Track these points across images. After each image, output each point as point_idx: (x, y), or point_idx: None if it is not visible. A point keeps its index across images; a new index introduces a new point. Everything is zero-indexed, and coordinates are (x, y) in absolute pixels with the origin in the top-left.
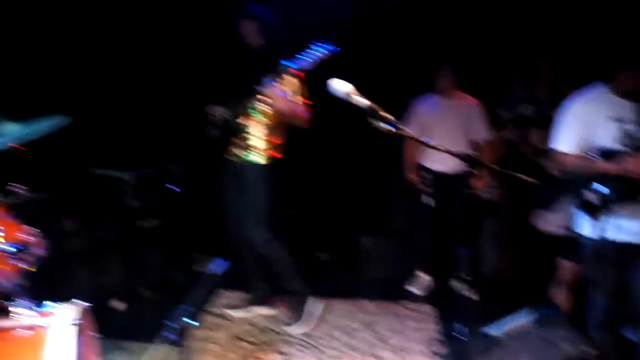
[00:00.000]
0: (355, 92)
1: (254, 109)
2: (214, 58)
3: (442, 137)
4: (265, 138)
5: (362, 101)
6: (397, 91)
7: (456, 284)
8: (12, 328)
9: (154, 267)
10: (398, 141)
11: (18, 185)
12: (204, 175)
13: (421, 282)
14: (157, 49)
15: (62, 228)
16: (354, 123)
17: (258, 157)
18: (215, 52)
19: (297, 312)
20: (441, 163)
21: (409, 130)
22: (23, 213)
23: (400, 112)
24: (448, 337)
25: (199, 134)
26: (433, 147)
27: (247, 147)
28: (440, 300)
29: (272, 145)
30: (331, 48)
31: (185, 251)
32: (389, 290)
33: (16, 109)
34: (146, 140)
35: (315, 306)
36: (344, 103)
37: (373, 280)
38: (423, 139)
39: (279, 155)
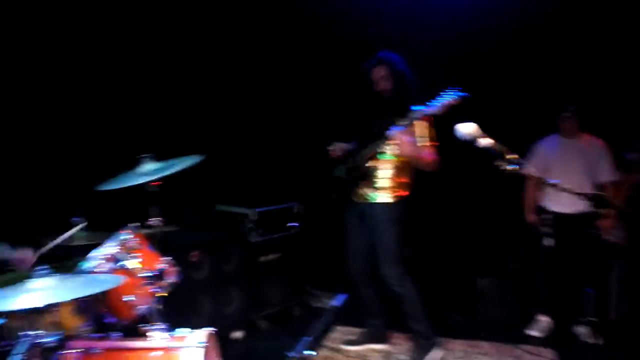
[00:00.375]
0: (480, 133)
1: (382, 152)
2: (345, 103)
3: (565, 178)
4: (392, 178)
5: (487, 142)
6: (520, 133)
7: (580, 329)
8: (148, 349)
9: (272, 299)
10: (517, 182)
11: (155, 218)
12: (322, 212)
13: (541, 326)
14: (286, 92)
15: (189, 259)
16: (474, 164)
17: (386, 197)
18: (346, 97)
19: (414, 352)
20: (563, 204)
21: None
22: (158, 243)
23: (523, 153)
24: None
25: (319, 174)
26: (561, 188)
27: (376, 189)
28: (563, 344)
29: (400, 184)
30: (460, 94)
31: (302, 286)
32: (508, 333)
33: (157, 149)
34: (269, 178)
35: (434, 349)
36: (466, 144)
37: (491, 322)
38: (548, 179)
39: (406, 193)
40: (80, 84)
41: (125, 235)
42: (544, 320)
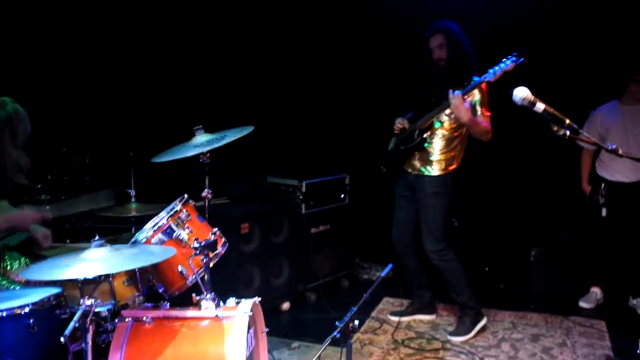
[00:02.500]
0: (536, 99)
1: (438, 121)
2: (399, 71)
3: (625, 146)
4: (444, 150)
5: (543, 107)
6: (576, 99)
7: (634, 301)
8: (197, 318)
9: (321, 271)
10: (572, 151)
11: (207, 191)
12: (371, 184)
13: (594, 298)
14: (336, 62)
15: (240, 231)
16: (525, 132)
17: (436, 169)
18: (400, 65)
19: (461, 322)
20: (620, 173)
21: (589, 137)
22: (208, 215)
23: (580, 120)
24: (623, 356)
25: (368, 145)
26: (620, 154)
27: (427, 161)
28: (615, 317)
29: (451, 157)
30: (517, 60)
31: (351, 258)
32: (559, 304)
33: (209, 121)
34: (319, 150)
35: (479, 319)
36: (519, 110)
37: (542, 293)
38: (608, 146)
39: (456, 167)
40: (135, 57)
41: (176, 206)
42: (597, 291)
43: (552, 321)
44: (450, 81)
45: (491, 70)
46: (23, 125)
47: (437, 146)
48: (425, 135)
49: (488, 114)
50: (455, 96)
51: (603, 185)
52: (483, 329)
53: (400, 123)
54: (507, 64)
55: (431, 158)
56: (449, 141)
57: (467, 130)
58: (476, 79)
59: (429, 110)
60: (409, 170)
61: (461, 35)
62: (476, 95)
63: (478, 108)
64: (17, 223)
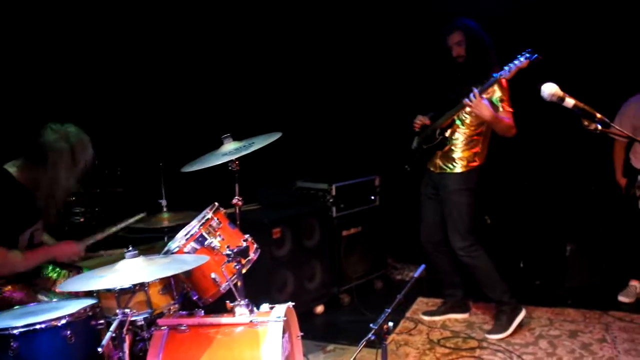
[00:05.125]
0: (565, 94)
1: (459, 119)
2: (419, 70)
3: None
4: (466, 147)
5: (573, 103)
6: (606, 91)
7: None
8: (231, 324)
9: (354, 273)
10: (606, 144)
11: (237, 198)
12: (401, 184)
13: (634, 291)
14: (362, 64)
15: (271, 236)
16: (561, 126)
17: (459, 166)
18: (420, 65)
19: (498, 320)
20: None
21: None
22: (239, 221)
23: (611, 113)
24: None
25: (397, 146)
26: None
27: (449, 157)
28: None
29: (474, 154)
30: (531, 56)
31: (384, 259)
32: (597, 299)
33: (236, 129)
34: (347, 153)
35: (516, 314)
36: (550, 106)
37: (579, 288)
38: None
39: (479, 164)
40: (161, 69)
41: (208, 214)
42: (636, 285)
43: (590, 317)
44: (470, 78)
45: (506, 67)
46: (85, 154)
47: (459, 144)
48: (446, 134)
49: (510, 110)
50: (474, 96)
51: (639, 177)
52: (520, 325)
53: (419, 120)
54: (520, 60)
55: (453, 155)
56: (470, 138)
57: (489, 127)
58: (495, 75)
59: (449, 108)
60: (432, 169)
61: (480, 32)
62: (496, 92)
63: (499, 104)
64: (58, 257)
